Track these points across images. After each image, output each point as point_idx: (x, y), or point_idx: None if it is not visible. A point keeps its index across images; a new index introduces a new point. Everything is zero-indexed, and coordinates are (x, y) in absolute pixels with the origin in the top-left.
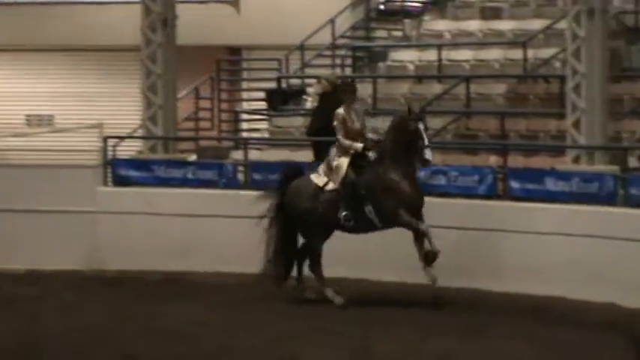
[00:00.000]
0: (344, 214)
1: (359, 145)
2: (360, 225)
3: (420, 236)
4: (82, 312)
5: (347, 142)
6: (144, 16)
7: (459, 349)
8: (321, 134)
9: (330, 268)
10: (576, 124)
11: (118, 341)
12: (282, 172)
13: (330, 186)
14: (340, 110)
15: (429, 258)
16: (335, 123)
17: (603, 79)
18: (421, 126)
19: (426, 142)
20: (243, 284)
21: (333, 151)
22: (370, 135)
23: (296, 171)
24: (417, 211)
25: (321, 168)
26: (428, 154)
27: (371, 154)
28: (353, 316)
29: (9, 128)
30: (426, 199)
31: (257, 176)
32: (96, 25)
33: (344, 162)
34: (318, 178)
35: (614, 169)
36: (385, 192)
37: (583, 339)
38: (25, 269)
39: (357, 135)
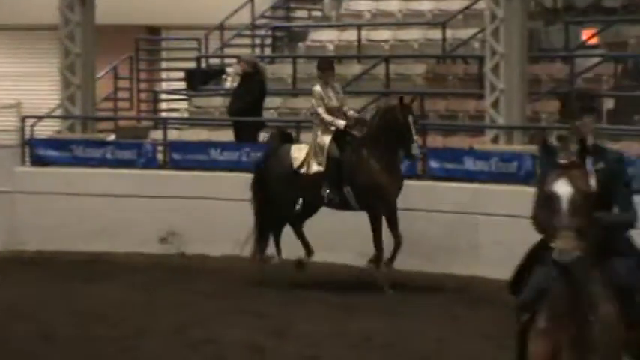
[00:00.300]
0: (327, 192)
1: (341, 123)
2: (338, 203)
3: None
4: (0, 293)
5: (329, 118)
6: None
7: (381, 329)
8: (241, 114)
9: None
10: (495, 105)
11: (38, 322)
12: (268, 139)
13: (314, 168)
14: (317, 87)
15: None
16: (312, 100)
17: (522, 60)
18: (410, 119)
19: (415, 137)
20: (163, 264)
21: (316, 128)
22: (351, 112)
23: (284, 137)
24: (392, 202)
25: (304, 145)
26: (415, 148)
27: (355, 132)
28: (274, 296)
29: None
30: None
31: (176, 156)
32: (13, 4)
33: (326, 141)
34: (298, 153)
35: (533, 148)
36: (365, 178)
37: (504, 318)
38: None
39: (335, 112)
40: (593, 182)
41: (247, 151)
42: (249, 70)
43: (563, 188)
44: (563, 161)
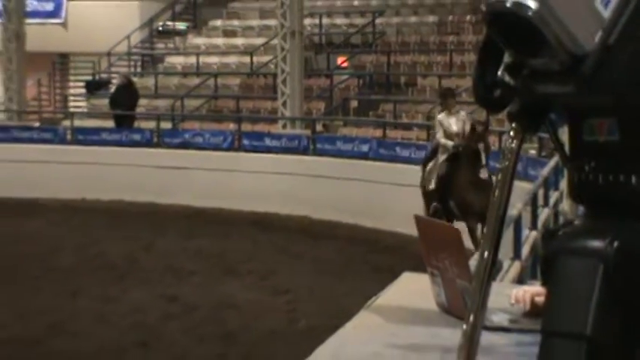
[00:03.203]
0: (433, 204)
1: (450, 144)
2: (451, 217)
3: (474, 241)
4: None
5: (442, 141)
6: None
7: (211, 246)
8: (121, 110)
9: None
10: (284, 104)
11: None
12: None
13: (431, 185)
14: (439, 115)
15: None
16: (436, 126)
17: (300, 76)
18: (481, 146)
19: (483, 162)
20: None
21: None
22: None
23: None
24: (475, 217)
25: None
26: (484, 172)
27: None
28: (81, 226)
29: None
30: (195, 152)
31: (80, 136)
32: None
33: (440, 159)
34: (430, 170)
35: (307, 132)
36: (456, 194)
37: (286, 239)
38: None
39: (455, 136)
40: None
41: (126, 133)
42: (124, 82)
43: None
44: None
